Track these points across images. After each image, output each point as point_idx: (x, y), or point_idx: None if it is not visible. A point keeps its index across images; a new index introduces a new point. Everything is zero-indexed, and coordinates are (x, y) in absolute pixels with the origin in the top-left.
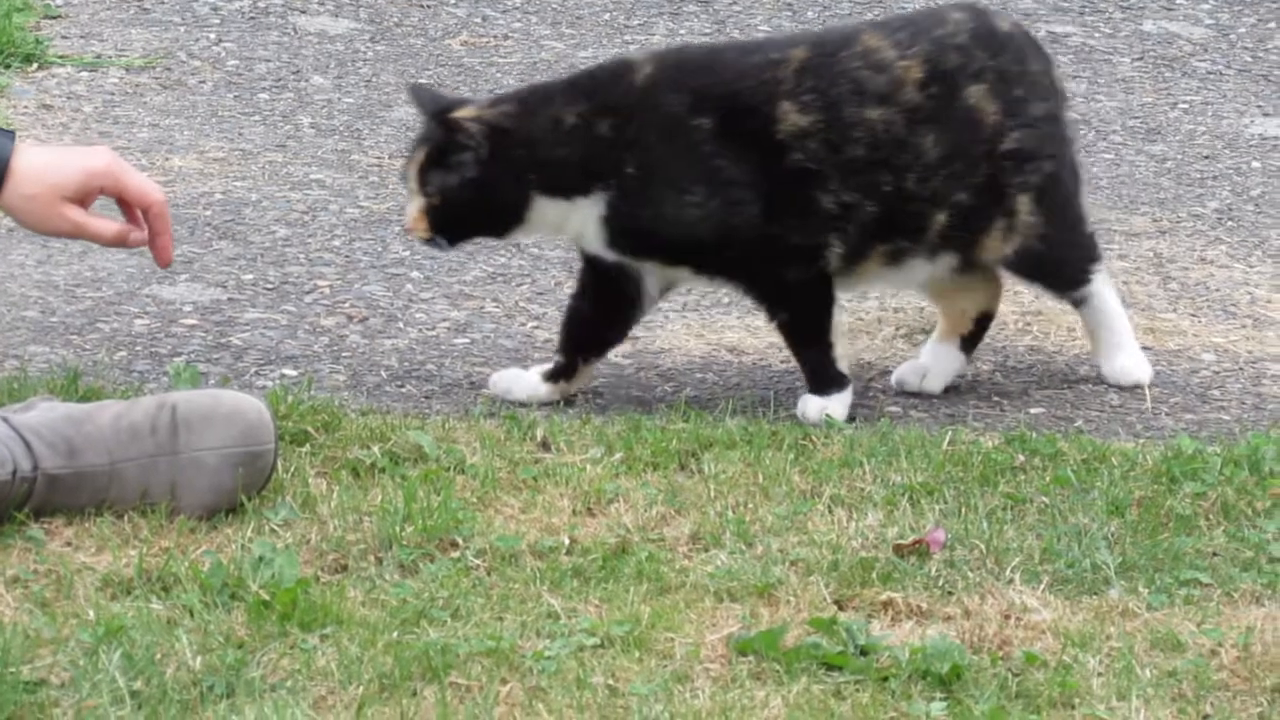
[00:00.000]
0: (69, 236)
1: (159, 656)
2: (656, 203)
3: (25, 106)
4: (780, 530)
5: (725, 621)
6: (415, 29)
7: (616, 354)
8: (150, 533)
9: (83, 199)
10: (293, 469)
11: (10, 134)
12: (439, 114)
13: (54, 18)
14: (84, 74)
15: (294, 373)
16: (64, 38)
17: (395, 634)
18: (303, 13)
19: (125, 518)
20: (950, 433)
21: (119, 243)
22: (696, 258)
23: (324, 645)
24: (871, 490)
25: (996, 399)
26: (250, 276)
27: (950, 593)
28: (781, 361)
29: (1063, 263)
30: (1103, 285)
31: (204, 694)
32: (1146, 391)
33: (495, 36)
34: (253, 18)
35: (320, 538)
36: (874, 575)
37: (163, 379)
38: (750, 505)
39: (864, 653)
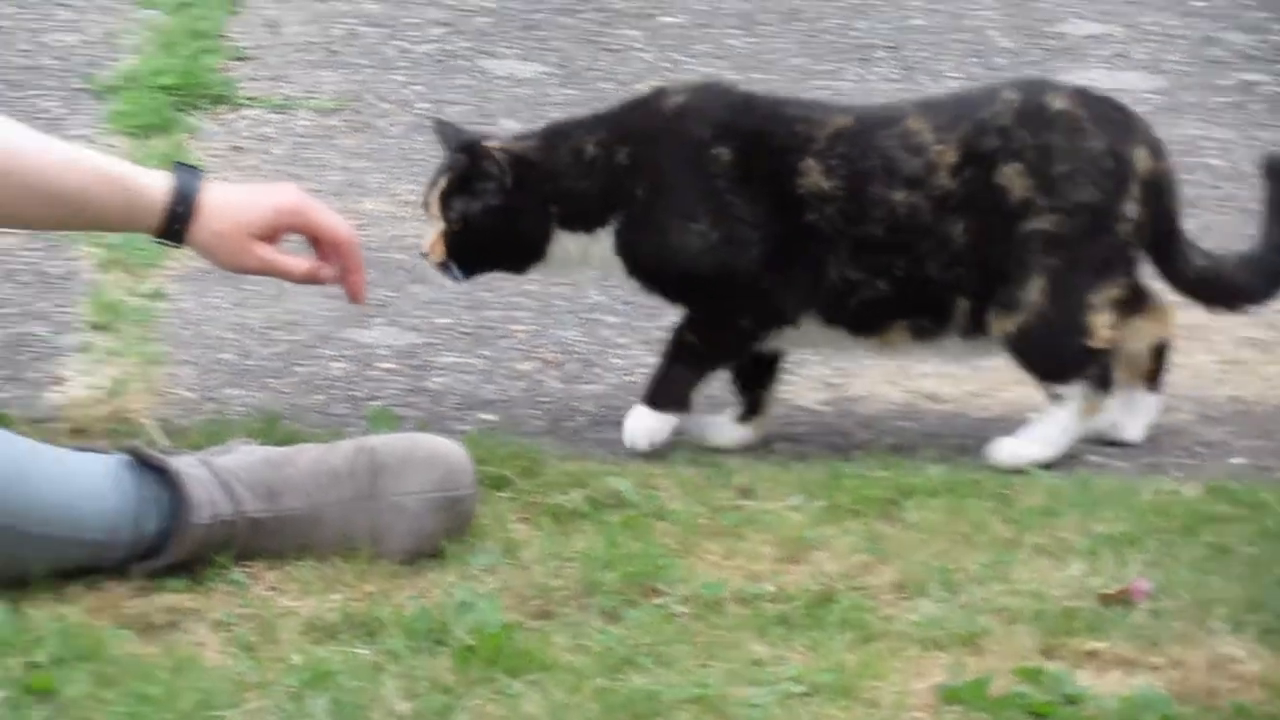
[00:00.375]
0: (258, 274)
1: (366, 701)
2: (661, 228)
3: (216, 148)
4: (984, 579)
5: (931, 670)
6: (604, 73)
7: (814, 400)
8: (354, 577)
9: (272, 236)
10: (493, 514)
11: (198, 171)
12: (465, 145)
13: (243, 59)
14: (273, 116)
15: (492, 417)
16: (253, 79)
17: (601, 681)
18: (491, 56)
19: (328, 562)
20: (1151, 482)
21: (310, 280)
22: (691, 292)
23: (530, 691)
24: (1074, 540)
25: (1197, 449)
26: (446, 320)
27: (1156, 643)
28: (980, 410)
29: (1050, 351)
30: (1076, 397)
31: None
32: None
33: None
34: (441, 60)
35: (523, 583)
36: (1079, 625)
37: (360, 423)
38: (953, 554)
39: (1071, 702)
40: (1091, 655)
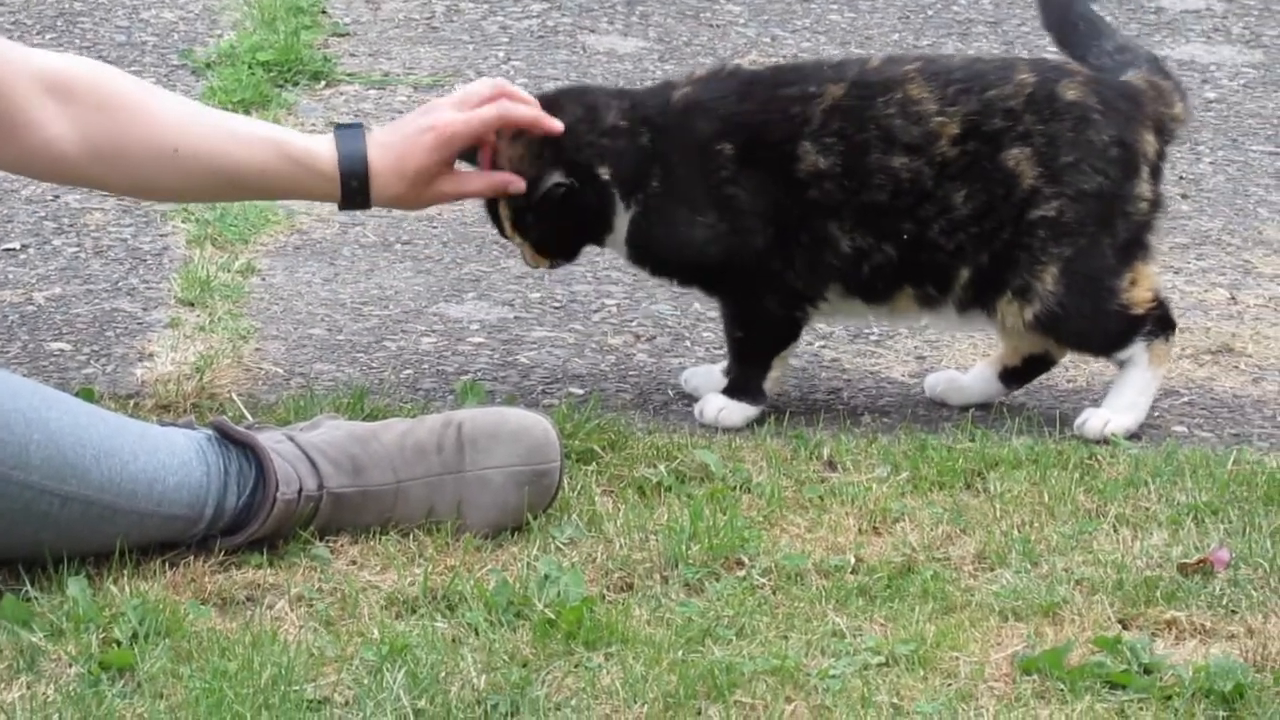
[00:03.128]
0: (454, 201)
1: (443, 675)
2: (670, 221)
3: (313, 124)
4: (1065, 550)
5: (1010, 640)
6: (704, 48)
7: (903, 373)
8: (436, 551)
9: (447, 165)
10: (579, 487)
11: (358, 130)
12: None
13: (342, 35)
14: (372, 92)
15: (580, 391)
16: (352, 55)
17: (680, 653)
18: (592, 31)
19: (410, 536)
20: (1235, 452)
21: (498, 189)
22: (703, 280)
23: (609, 664)
24: (1156, 510)
25: None
26: (537, 295)
27: (1234, 612)
28: (1067, 381)
29: (1087, 334)
30: (1140, 354)
31: (488, 712)
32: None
33: (784, 56)
34: (541, 36)
35: (606, 556)
36: (1158, 594)
37: (449, 397)
38: (1035, 525)
39: (1148, 671)
40: (1170, 624)
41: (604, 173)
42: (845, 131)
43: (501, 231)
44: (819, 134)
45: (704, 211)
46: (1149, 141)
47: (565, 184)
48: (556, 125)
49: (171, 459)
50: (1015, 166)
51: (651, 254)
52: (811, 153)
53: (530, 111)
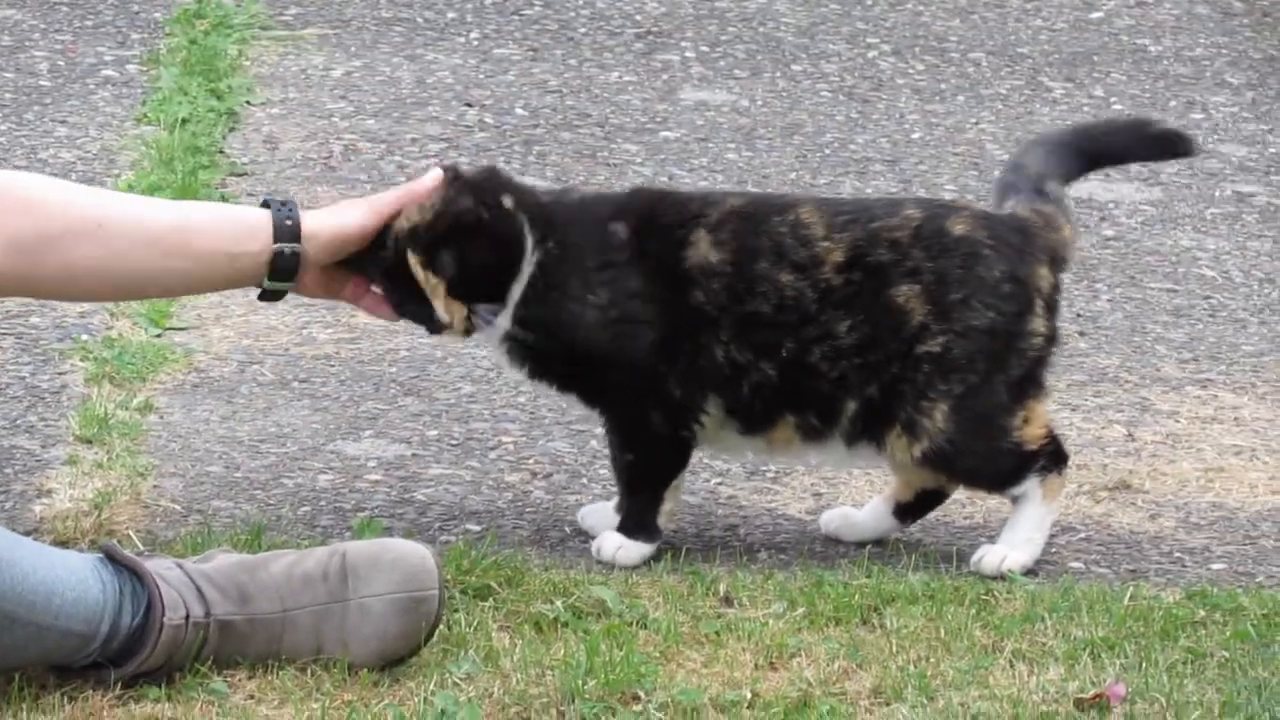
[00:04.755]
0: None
1: None
2: (557, 304)
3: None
4: (961, 685)
5: None
6: (601, 188)
7: (799, 510)
8: (333, 685)
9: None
10: (475, 623)
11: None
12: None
13: (240, 174)
14: None
15: (478, 528)
16: (250, 195)
17: None
18: None
19: (307, 670)
20: (1131, 588)
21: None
22: (585, 376)
23: None
24: (1053, 645)
25: (1178, 555)
26: (435, 433)
27: None
28: (964, 518)
29: (978, 471)
30: (1033, 489)
31: None
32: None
33: None
34: None
35: (503, 691)
36: None
37: (346, 534)
38: (932, 660)
39: None
40: None
41: (508, 202)
42: (740, 232)
43: (404, 302)
44: (715, 229)
45: (595, 290)
46: (1043, 275)
47: (475, 209)
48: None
49: (69, 574)
50: (905, 303)
51: (541, 326)
52: (705, 244)
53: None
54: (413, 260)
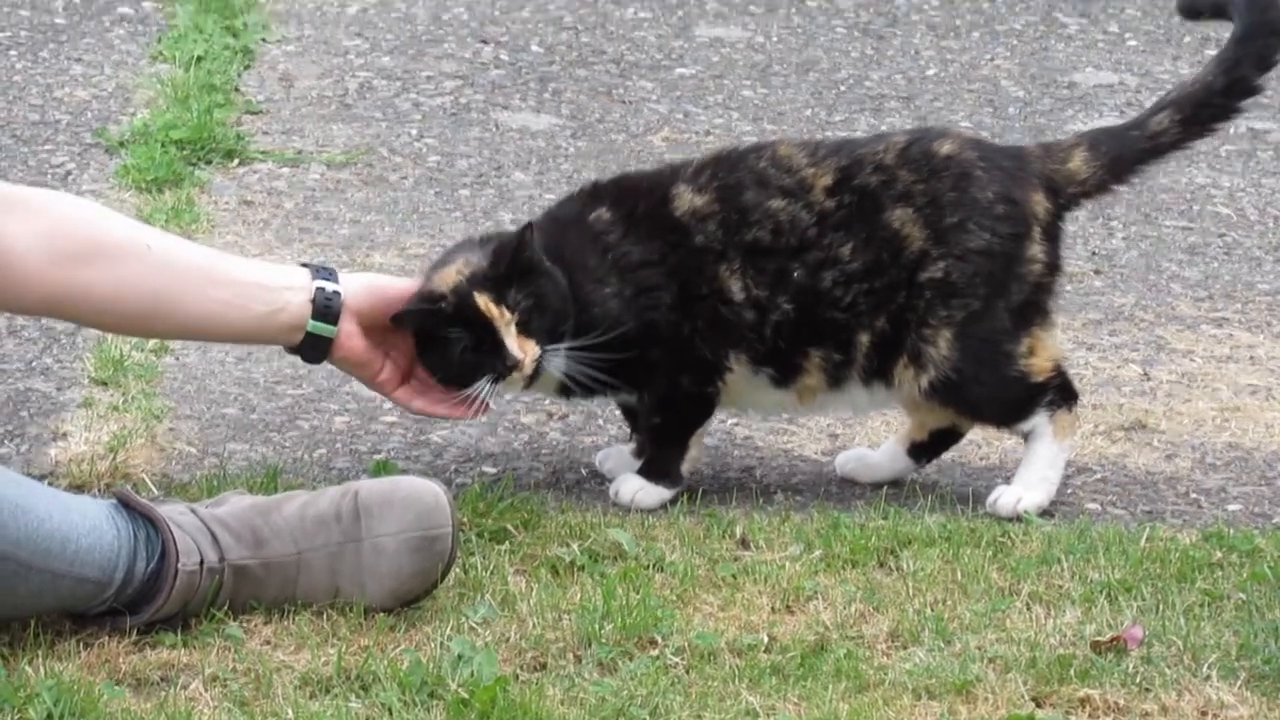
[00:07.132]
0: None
1: None
2: (586, 318)
3: (226, 203)
4: (978, 628)
5: (924, 718)
6: (617, 125)
7: (815, 451)
8: (349, 630)
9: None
10: (492, 567)
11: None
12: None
13: (256, 113)
14: (285, 170)
15: (493, 470)
16: (265, 133)
17: None
18: (505, 109)
19: (324, 615)
20: (1148, 529)
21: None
22: (629, 365)
23: None
24: (1069, 587)
25: (1194, 496)
26: None
27: (1148, 689)
28: (980, 459)
29: (985, 403)
30: (1043, 426)
31: None
32: None
33: (697, 133)
34: (454, 114)
35: (519, 635)
36: (1072, 672)
37: (362, 476)
38: (948, 602)
39: None
40: (1083, 702)
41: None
42: (718, 173)
43: (452, 363)
44: (693, 179)
45: (607, 281)
46: (1038, 201)
47: (529, 246)
48: None
49: (84, 521)
50: (901, 228)
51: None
52: (689, 193)
53: None
54: (482, 300)
